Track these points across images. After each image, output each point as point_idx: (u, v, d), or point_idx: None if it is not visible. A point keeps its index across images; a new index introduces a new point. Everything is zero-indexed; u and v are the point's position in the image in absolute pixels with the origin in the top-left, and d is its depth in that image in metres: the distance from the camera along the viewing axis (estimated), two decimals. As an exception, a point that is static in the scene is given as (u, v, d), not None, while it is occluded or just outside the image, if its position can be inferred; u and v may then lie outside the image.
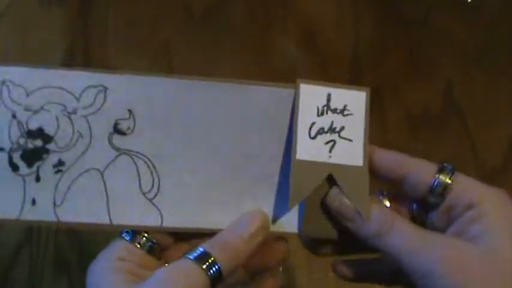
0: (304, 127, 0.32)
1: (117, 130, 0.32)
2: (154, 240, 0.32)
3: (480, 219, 0.31)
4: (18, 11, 0.59)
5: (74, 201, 0.32)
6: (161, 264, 0.32)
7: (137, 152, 0.32)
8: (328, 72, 0.59)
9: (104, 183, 0.32)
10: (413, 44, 0.61)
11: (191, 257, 0.30)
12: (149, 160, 0.32)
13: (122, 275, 0.30)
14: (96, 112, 0.32)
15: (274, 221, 0.33)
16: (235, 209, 0.33)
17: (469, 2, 0.63)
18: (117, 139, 0.32)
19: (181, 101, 0.32)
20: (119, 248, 0.32)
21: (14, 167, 0.32)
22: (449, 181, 0.32)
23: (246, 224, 0.32)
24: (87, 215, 0.32)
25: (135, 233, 0.32)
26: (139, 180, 0.32)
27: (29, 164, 0.32)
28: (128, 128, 0.32)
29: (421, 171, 0.32)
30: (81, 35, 0.59)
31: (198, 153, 0.33)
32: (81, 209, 0.32)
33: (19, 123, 0.31)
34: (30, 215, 0.32)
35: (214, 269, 0.29)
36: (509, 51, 0.61)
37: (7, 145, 0.31)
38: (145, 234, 0.32)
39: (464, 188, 0.32)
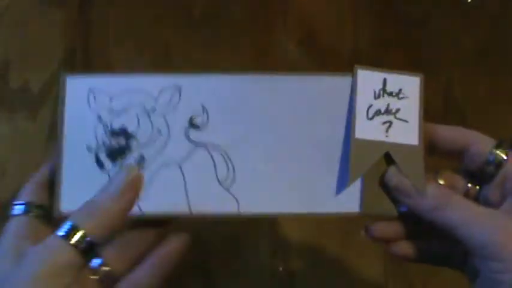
0: (362, 109, 0.35)
1: (192, 125, 0.35)
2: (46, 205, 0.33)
3: None
4: (18, 11, 0.59)
5: (156, 194, 0.34)
6: None
7: (212, 144, 0.35)
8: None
9: (183, 175, 0.35)
10: (413, 44, 0.61)
11: (59, 233, 0.30)
12: (224, 151, 0.35)
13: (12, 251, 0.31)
14: (173, 110, 0.35)
15: (336, 200, 0.35)
16: (306, 191, 0.35)
17: (469, 2, 0.63)
18: (193, 133, 0.35)
19: (249, 94, 0.35)
20: (17, 226, 0.33)
21: (101, 165, 0.35)
22: (505, 156, 0.33)
23: (115, 181, 0.33)
24: (168, 206, 0.34)
25: (26, 204, 0.33)
26: (216, 170, 0.35)
27: (114, 161, 0.35)
28: (203, 123, 0.35)
29: (481, 142, 0.34)
30: (81, 35, 0.59)
31: (268, 141, 0.35)
32: (163, 201, 0.34)
33: (104, 124, 0.35)
34: None
35: (84, 241, 0.30)
36: (509, 51, 0.61)
37: (94, 145, 0.35)
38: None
39: None
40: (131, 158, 0.35)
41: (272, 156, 0.35)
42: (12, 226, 0.33)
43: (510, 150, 0.33)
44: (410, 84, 0.35)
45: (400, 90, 0.35)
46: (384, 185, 0.34)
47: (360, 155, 0.34)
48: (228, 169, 0.35)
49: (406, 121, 0.35)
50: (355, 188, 0.35)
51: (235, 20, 0.60)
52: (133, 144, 0.35)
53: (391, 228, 0.36)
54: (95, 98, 0.35)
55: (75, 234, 0.30)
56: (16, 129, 0.54)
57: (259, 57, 0.59)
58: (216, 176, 0.35)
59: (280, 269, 0.51)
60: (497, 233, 0.30)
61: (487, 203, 0.34)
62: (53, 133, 0.54)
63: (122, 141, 0.35)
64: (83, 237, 0.30)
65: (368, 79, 0.35)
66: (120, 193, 0.32)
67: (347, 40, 0.61)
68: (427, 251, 0.36)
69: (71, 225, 0.30)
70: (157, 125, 0.35)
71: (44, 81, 0.56)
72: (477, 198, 0.35)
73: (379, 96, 0.35)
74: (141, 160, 0.35)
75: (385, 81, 0.35)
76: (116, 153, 0.35)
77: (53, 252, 0.30)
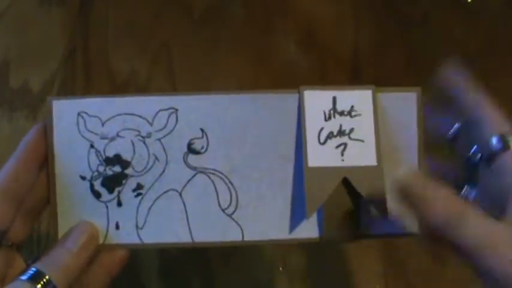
0: (312, 134, 0.32)
1: (191, 150, 0.33)
2: None
3: None
4: (18, 11, 0.59)
5: (156, 223, 0.33)
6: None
7: (213, 169, 0.33)
8: (328, 72, 0.59)
9: (183, 202, 0.33)
10: (413, 44, 0.61)
11: (24, 277, 0.30)
12: (225, 176, 0.33)
13: None
14: (169, 134, 0.33)
15: (293, 228, 0.33)
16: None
17: (469, 2, 0.63)
18: (192, 158, 0.33)
19: (248, 114, 0.33)
20: None
21: (96, 194, 0.33)
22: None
23: (74, 238, 0.32)
24: (169, 235, 0.33)
25: None
26: (218, 197, 0.33)
27: (110, 190, 0.33)
28: (202, 147, 0.33)
29: (496, 120, 0.32)
30: (81, 35, 0.59)
31: (272, 164, 0.33)
32: (163, 230, 0.33)
33: (97, 151, 0.33)
34: (115, 238, 0.33)
35: (49, 286, 0.30)
36: (509, 52, 0.61)
37: (88, 174, 0.33)
38: None
39: None
40: (128, 187, 0.33)
41: (275, 180, 0.33)
42: None
43: None
44: (362, 99, 0.32)
45: (352, 107, 0.32)
46: (343, 210, 0.33)
47: (315, 185, 0.32)
48: (230, 195, 0.33)
49: (361, 141, 0.32)
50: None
51: (235, 20, 0.60)
52: (130, 171, 0.33)
53: None
54: (85, 122, 0.33)
55: (41, 279, 0.29)
56: (16, 129, 0.54)
57: (259, 57, 0.59)
58: (218, 202, 0.33)
59: (280, 269, 0.51)
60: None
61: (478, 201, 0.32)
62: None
63: (118, 169, 0.33)
64: (48, 282, 0.30)
65: (316, 100, 0.32)
66: (79, 250, 0.32)
67: (347, 40, 0.61)
68: None
69: (36, 271, 0.30)
70: (153, 150, 0.33)
71: (44, 81, 0.56)
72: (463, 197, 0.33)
73: (330, 117, 0.32)
74: (139, 188, 0.33)
75: (334, 100, 0.32)
76: (112, 182, 0.33)
77: None
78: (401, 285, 0.50)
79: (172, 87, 0.57)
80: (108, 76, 0.57)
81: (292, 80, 0.58)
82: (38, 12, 0.59)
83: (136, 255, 0.50)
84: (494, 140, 0.30)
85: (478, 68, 0.60)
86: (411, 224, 0.33)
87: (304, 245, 0.52)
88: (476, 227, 0.28)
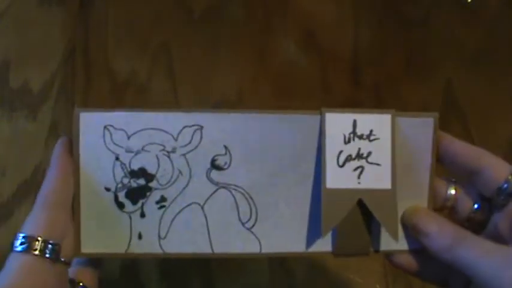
0: (332, 156, 0.33)
1: (214, 166, 0.34)
2: (52, 241, 0.31)
3: None
4: (18, 11, 0.59)
5: (178, 234, 0.34)
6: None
7: (235, 185, 0.34)
8: (328, 72, 0.59)
9: (205, 215, 0.34)
10: (413, 44, 0.61)
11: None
12: (246, 192, 0.34)
13: None
14: (194, 150, 0.34)
15: (308, 243, 0.35)
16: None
17: (469, 2, 0.63)
18: (215, 174, 0.34)
19: (270, 134, 0.34)
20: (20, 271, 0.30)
21: (120, 205, 0.34)
22: None
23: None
24: (190, 245, 0.34)
25: (27, 238, 0.30)
26: (238, 211, 0.34)
27: (134, 202, 0.34)
28: (225, 163, 0.34)
29: (497, 167, 0.32)
30: (81, 35, 0.59)
31: (291, 182, 0.34)
32: (184, 241, 0.34)
33: (122, 164, 0.34)
34: (138, 248, 0.34)
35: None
36: (509, 51, 0.61)
37: (112, 185, 0.34)
38: (39, 238, 0.30)
39: None
40: (152, 199, 0.34)
41: (294, 198, 0.34)
42: (10, 266, 0.30)
43: None
44: (381, 124, 0.34)
45: (371, 131, 0.33)
46: (356, 226, 0.34)
47: (332, 205, 0.33)
48: (250, 210, 0.34)
49: (378, 164, 0.33)
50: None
51: (235, 20, 0.60)
52: (154, 184, 0.34)
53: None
54: (111, 135, 0.33)
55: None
56: (16, 128, 0.54)
57: (259, 57, 0.59)
58: (239, 216, 0.34)
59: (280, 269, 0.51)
60: (506, 268, 0.29)
61: (495, 230, 0.33)
62: (53, 133, 0.55)
63: (142, 181, 0.34)
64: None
65: (337, 122, 0.34)
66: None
67: (347, 40, 0.61)
68: (428, 269, 0.36)
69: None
70: (178, 165, 0.34)
71: (44, 81, 0.56)
72: (483, 222, 0.34)
73: (349, 141, 0.33)
74: (162, 201, 0.34)
75: (355, 123, 0.33)
76: (136, 194, 0.34)
77: None
78: (402, 285, 0.50)
79: (173, 87, 0.57)
80: (108, 76, 0.57)
81: (292, 80, 0.58)
82: (38, 12, 0.59)
83: (136, 255, 0.50)
84: (505, 185, 0.32)
85: (478, 68, 0.60)
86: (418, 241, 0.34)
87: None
88: (473, 248, 0.31)
